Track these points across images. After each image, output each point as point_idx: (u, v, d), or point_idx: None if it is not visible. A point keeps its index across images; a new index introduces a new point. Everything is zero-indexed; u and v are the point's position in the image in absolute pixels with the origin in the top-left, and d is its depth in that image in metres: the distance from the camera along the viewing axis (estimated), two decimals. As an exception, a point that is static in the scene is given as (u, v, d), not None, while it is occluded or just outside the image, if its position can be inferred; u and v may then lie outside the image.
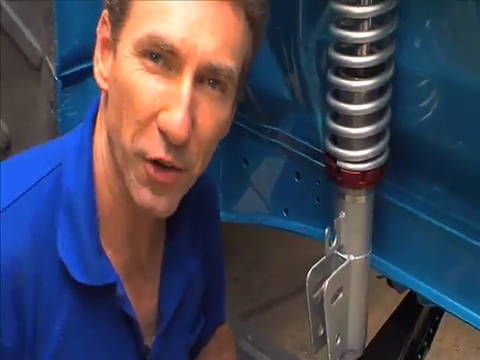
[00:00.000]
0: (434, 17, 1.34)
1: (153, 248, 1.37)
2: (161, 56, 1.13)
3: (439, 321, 1.74)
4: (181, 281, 1.40)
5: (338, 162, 1.45)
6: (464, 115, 1.39)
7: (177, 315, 1.41)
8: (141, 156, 1.15)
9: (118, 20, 1.18)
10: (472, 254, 1.45)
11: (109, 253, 1.28)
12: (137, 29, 1.14)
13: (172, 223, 1.38)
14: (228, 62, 1.14)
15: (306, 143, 1.63)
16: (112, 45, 1.20)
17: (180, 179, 1.19)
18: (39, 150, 1.36)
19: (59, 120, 1.61)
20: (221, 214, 1.76)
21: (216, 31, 1.13)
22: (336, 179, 1.47)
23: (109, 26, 1.21)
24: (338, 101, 1.41)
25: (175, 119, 1.11)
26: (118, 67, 1.17)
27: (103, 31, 1.22)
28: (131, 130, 1.15)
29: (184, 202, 1.30)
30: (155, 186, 1.17)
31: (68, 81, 1.53)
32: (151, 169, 1.15)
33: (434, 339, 2.81)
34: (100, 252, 1.27)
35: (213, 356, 1.65)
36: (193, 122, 1.14)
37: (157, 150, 1.14)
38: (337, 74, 1.39)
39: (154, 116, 1.14)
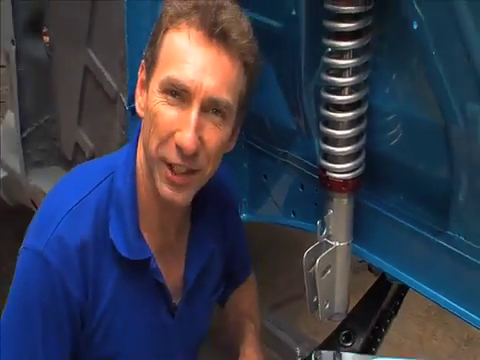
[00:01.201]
0: (397, 69, 1.44)
1: (181, 233, 1.46)
2: (178, 93, 1.25)
3: (404, 296, 1.78)
4: (201, 258, 1.48)
5: (327, 173, 1.53)
6: (420, 141, 1.47)
7: (198, 283, 1.49)
8: (162, 161, 1.28)
9: (150, 67, 1.30)
10: (429, 245, 1.49)
11: (146, 236, 1.38)
12: (161, 74, 1.26)
13: (196, 216, 1.47)
14: (224, 96, 1.26)
15: (307, 162, 1.70)
16: (146, 85, 1.31)
17: (193, 179, 1.31)
18: (100, 161, 1.49)
19: (128, 139, 1.65)
20: (248, 216, 1.93)
21: (215, 74, 1.24)
22: (326, 186, 1.55)
23: (145, 71, 1.33)
24: (327, 128, 1.50)
25: (186, 137, 1.24)
26: (149, 100, 1.29)
27: (141, 75, 1.34)
28: (156, 142, 1.27)
29: (206, 200, 1.44)
30: (172, 185, 1.29)
31: (135, 110, 1.62)
32: (169, 173, 1.28)
33: (416, 330, 2.87)
34: (139, 235, 1.37)
35: (238, 299, 1.73)
36: (201, 139, 1.26)
37: (174, 158, 1.27)
38: (327, 109, 1.48)
39: (172, 134, 1.26)
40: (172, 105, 1.26)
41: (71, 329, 1.36)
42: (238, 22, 1.28)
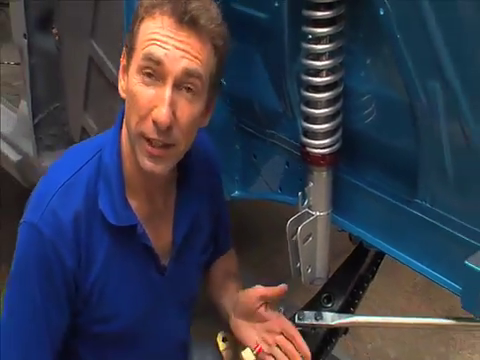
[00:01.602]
0: (368, 53, 1.49)
1: (167, 200, 1.51)
2: (153, 73, 1.30)
3: (381, 262, 1.83)
4: (187, 220, 1.53)
5: (308, 148, 1.58)
6: (390, 119, 1.51)
7: (185, 243, 1.54)
8: (142, 136, 1.33)
9: (129, 53, 1.36)
10: (401, 213, 1.54)
11: (134, 205, 1.44)
12: (139, 56, 1.32)
13: (181, 183, 1.52)
14: (197, 68, 1.31)
15: (292, 141, 1.74)
16: (126, 69, 1.37)
17: (169, 152, 1.36)
18: (89, 142, 1.55)
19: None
20: (240, 193, 1.96)
21: (187, 51, 1.30)
22: (307, 160, 1.60)
23: (125, 58, 1.38)
24: (307, 108, 1.55)
25: (161, 112, 1.29)
26: (128, 82, 1.35)
27: (123, 61, 1.40)
28: (135, 119, 1.33)
29: (189, 167, 1.48)
30: (151, 157, 1.34)
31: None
32: (148, 147, 1.33)
33: (402, 304, 2.92)
34: (126, 204, 1.42)
35: (221, 262, 1.77)
36: (174, 115, 1.31)
37: (151, 133, 1.32)
38: (307, 90, 1.53)
39: (149, 111, 1.31)
40: (148, 85, 1.31)
41: (66, 293, 1.42)
42: (207, 9, 1.33)
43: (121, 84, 1.40)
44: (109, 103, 1.77)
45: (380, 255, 1.81)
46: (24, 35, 1.94)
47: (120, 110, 1.46)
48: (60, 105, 2.03)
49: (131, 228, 1.43)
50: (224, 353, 1.54)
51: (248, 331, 1.55)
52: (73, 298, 1.43)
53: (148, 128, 1.33)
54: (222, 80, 1.76)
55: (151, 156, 1.35)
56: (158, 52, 1.30)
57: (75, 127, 1.98)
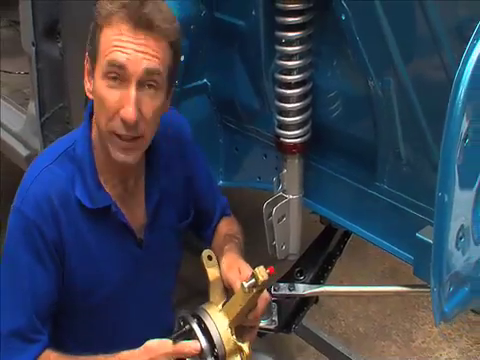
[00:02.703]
0: (334, 53, 1.55)
1: (138, 179, 1.51)
2: (117, 76, 1.32)
3: (347, 240, 1.88)
4: (156, 194, 1.53)
5: (281, 139, 1.64)
6: (352, 111, 1.57)
7: (157, 215, 1.53)
8: (112, 133, 1.35)
9: (92, 59, 1.37)
10: (365, 196, 1.60)
11: (107, 188, 1.45)
12: (102, 62, 1.32)
13: (149, 161, 1.52)
14: (157, 66, 1.33)
15: (268, 134, 1.77)
16: (91, 73, 1.37)
17: (138, 143, 1.38)
18: (64, 138, 1.54)
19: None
20: (224, 182, 1.97)
21: (146, 53, 1.31)
22: (281, 149, 1.66)
23: (89, 63, 1.38)
24: (281, 103, 1.61)
25: (128, 111, 1.31)
26: (95, 86, 1.35)
27: (87, 66, 1.40)
28: (105, 119, 1.35)
29: (156, 148, 1.49)
30: (122, 149, 1.37)
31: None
32: (119, 141, 1.36)
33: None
34: (99, 188, 1.44)
35: (221, 229, 1.70)
36: (140, 111, 1.33)
37: (121, 130, 1.34)
38: (280, 87, 1.59)
39: (117, 111, 1.33)
40: (114, 88, 1.33)
41: (53, 265, 1.43)
42: (159, 10, 1.34)
43: (87, 86, 1.41)
44: None
45: (347, 234, 1.87)
46: (32, 43, 2.00)
47: (86, 108, 1.49)
48: (64, 105, 2.07)
49: (106, 208, 1.45)
50: (208, 270, 1.47)
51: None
52: (60, 272, 1.45)
53: (117, 126, 1.35)
54: (206, 81, 1.83)
55: (123, 149, 1.38)
56: (120, 58, 1.31)
57: (76, 124, 1.99)
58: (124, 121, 1.33)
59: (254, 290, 1.34)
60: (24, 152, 2.23)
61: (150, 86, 1.35)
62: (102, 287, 1.50)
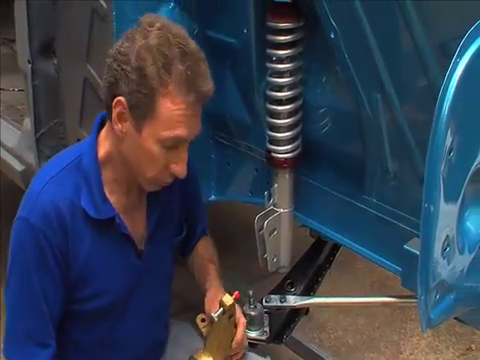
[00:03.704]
0: (323, 71, 1.56)
1: (141, 193, 1.54)
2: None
3: (337, 252, 1.87)
4: (158, 209, 1.56)
5: (272, 154, 1.65)
6: (342, 128, 1.59)
7: (157, 228, 1.56)
8: (157, 180, 1.44)
9: (140, 116, 1.34)
10: (353, 209, 1.61)
11: (112, 199, 1.47)
12: (163, 132, 1.34)
13: None
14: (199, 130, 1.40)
15: (260, 150, 1.78)
16: (132, 125, 1.36)
17: None
18: (69, 149, 1.59)
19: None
20: (216, 197, 1.99)
21: (198, 117, 1.38)
22: (272, 164, 1.67)
23: (128, 111, 1.34)
24: (272, 119, 1.62)
25: (183, 170, 1.41)
26: (145, 145, 1.36)
27: (120, 109, 1.35)
28: (152, 172, 1.41)
29: None
30: (159, 187, 1.47)
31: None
32: (161, 183, 1.45)
33: None
34: (105, 200, 1.46)
35: (200, 247, 1.77)
36: None
37: (169, 180, 1.44)
38: (271, 104, 1.60)
39: (166, 166, 1.40)
40: (168, 149, 1.38)
41: (60, 273, 1.45)
42: (210, 80, 1.38)
43: (119, 128, 1.38)
44: None
45: (336, 247, 1.88)
46: (28, 61, 2.01)
47: (94, 123, 1.50)
48: (59, 121, 2.08)
49: (110, 220, 1.47)
50: (203, 330, 1.57)
51: None
52: (65, 278, 1.47)
53: (166, 177, 1.43)
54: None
55: (160, 187, 1.47)
56: (184, 133, 1.36)
57: (71, 140, 2.03)
58: (176, 175, 1.42)
59: (224, 317, 1.49)
60: (19, 167, 2.24)
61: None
62: (102, 295, 1.52)
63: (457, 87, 1.09)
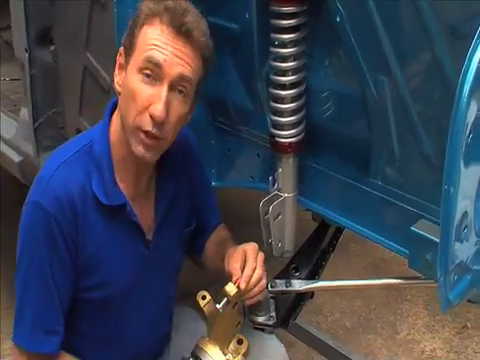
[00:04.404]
0: (327, 54, 1.55)
1: (150, 183, 1.54)
2: (152, 74, 1.34)
3: (340, 236, 1.86)
4: (166, 199, 1.56)
5: (276, 138, 1.63)
6: (346, 111, 1.57)
7: (165, 219, 1.56)
8: (138, 128, 1.37)
9: (127, 53, 1.39)
10: (358, 192, 1.59)
11: (122, 186, 1.46)
12: (139, 57, 1.35)
13: (160, 168, 1.55)
14: (189, 75, 1.37)
15: (262, 135, 1.76)
16: (124, 67, 1.40)
17: (158, 144, 1.40)
18: (80, 135, 1.58)
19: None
20: (217, 183, 1.95)
21: (182, 59, 1.35)
22: (276, 149, 1.65)
23: (123, 56, 1.41)
24: (275, 103, 1.60)
25: (158, 108, 1.34)
26: (127, 79, 1.38)
27: (120, 59, 1.42)
28: (133, 114, 1.36)
29: (167, 157, 1.51)
30: (144, 145, 1.38)
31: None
32: (143, 136, 1.37)
33: None
34: (116, 186, 1.45)
35: (213, 236, 1.74)
36: (167, 113, 1.36)
37: (148, 126, 1.36)
38: (275, 88, 1.58)
39: (147, 107, 1.35)
40: (147, 84, 1.35)
41: (70, 259, 1.44)
42: (198, 24, 1.38)
43: (117, 80, 1.43)
44: (102, 107, 1.70)
45: (339, 230, 1.86)
46: (25, 50, 1.97)
47: (107, 108, 1.49)
48: (57, 110, 2.05)
49: (120, 207, 1.46)
50: (205, 308, 1.53)
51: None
52: (74, 265, 1.45)
53: (145, 121, 1.36)
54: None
55: (144, 144, 1.39)
56: (158, 56, 1.34)
57: (71, 130, 2.01)
58: (153, 117, 1.35)
59: (229, 307, 1.47)
60: (16, 158, 2.19)
61: (180, 91, 1.38)
62: (109, 283, 1.50)
63: (478, 69, 1.08)
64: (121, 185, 1.47)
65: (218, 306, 1.47)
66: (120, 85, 1.42)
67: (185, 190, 1.63)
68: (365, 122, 1.53)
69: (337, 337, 2.78)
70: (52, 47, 1.96)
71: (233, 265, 1.49)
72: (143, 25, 1.37)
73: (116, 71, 1.43)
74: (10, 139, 2.22)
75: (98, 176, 1.44)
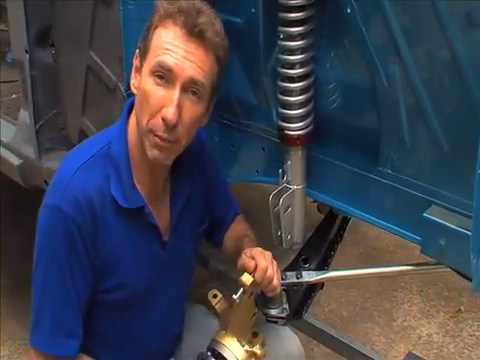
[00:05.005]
0: (336, 47, 1.54)
1: (165, 184, 1.52)
2: (164, 76, 1.32)
3: (346, 226, 1.85)
4: (181, 199, 1.54)
5: (285, 131, 1.62)
6: (355, 102, 1.57)
7: (181, 219, 1.54)
8: (151, 132, 1.35)
9: (142, 56, 1.37)
10: (367, 181, 1.59)
11: (139, 188, 1.44)
12: (152, 60, 1.33)
13: (175, 169, 1.53)
14: (201, 78, 1.34)
15: (267, 128, 1.76)
16: (139, 70, 1.38)
17: (172, 147, 1.38)
18: (98, 135, 1.54)
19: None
20: None
21: (194, 62, 1.33)
22: (284, 141, 1.64)
23: (139, 59, 1.39)
24: (284, 96, 1.59)
25: (170, 111, 1.31)
26: (142, 81, 1.36)
27: (136, 62, 1.41)
28: (146, 116, 1.34)
29: (182, 158, 1.48)
30: (158, 148, 1.36)
31: (130, 95, 1.55)
32: (157, 139, 1.35)
33: None
34: (134, 188, 1.43)
35: (231, 231, 1.74)
36: (180, 115, 1.33)
37: (160, 130, 1.34)
38: (283, 81, 1.58)
39: (159, 110, 1.33)
40: (159, 86, 1.33)
41: (88, 261, 1.41)
42: (213, 24, 1.35)
43: (132, 82, 1.42)
44: (107, 106, 1.76)
45: (346, 220, 1.86)
46: (26, 51, 1.91)
47: (125, 107, 1.47)
48: (58, 111, 2.00)
49: (139, 209, 1.44)
50: (216, 306, 1.54)
51: None
52: (93, 267, 1.43)
53: (157, 125, 1.34)
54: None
55: (158, 146, 1.37)
56: (169, 61, 1.32)
57: (73, 130, 1.96)
58: (164, 120, 1.33)
59: (245, 297, 1.46)
60: (16, 161, 2.13)
61: (193, 93, 1.35)
62: (127, 285, 1.48)
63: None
64: (138, 187, 1.44)
65: (235, 297, 1.45)
66: (136, 87, 1.40)
67: (199, 189, 1.62)
68: (374, 112, 1.52)
69: (335, 327, 2.76)
70: (52, 48, 1.92)
71: (246, 261, 1.49)
72: (157, 27, 1.35)
73: (133, 74, 1.42)
74: (8, 142, 2.16)
75: (116, 178, 1.41)
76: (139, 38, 1.44)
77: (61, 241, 1.38)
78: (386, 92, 1.46)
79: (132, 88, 1.42)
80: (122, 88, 1.70)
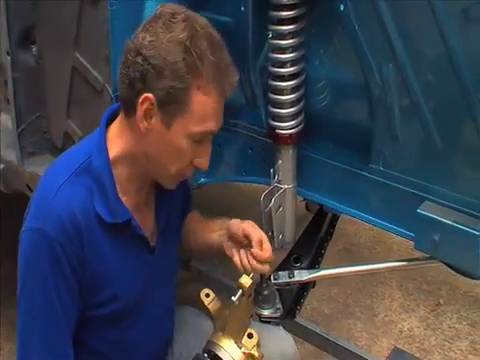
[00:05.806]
0: (327, 45, 1.53)
1: (150, 193, 1.47)
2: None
3: (336, 224, 1.85)
4: (165, 207, 1.51)
5: (276, 130, 1.60)
6: (347, 100, 1.57)
7: (167, 225, 1.51)
8: (180, 175, 1.38)
9: (171, 109, 1.26)
10: (359, 179, 1.58)
11: (124, 199, 1.37)
12: (195, 127, 1.28)
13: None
14: None
15: (255, 127, 1.74)
16: (164, 121, 1.28)
17: None
18: (78, 147, 1.45)
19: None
20: (205, 180, 1.89)
21: (222, 115, 1.33)
22: (275, 140, 1.62)
23: (156, 107, 1.26)
24: (275, 95, 1.57)
25: (206, 164, 1.36)
26: (174, 139, 1.29)
27: (149, 106, 1.27)
28: (177, 166, 1.34)
29: None
30: (177, 183, 1.41)
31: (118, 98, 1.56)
32: (181, 179, 1.40)
33: None
34: (119, 202, 1.36)
35: (188, 219, 1.66)
36: None
37: (190, 173, 1.39)
38: (274, 80, 1.56)
39: (192, 160, 1.34)
40: (196, 142, 1.32)
41: (76, 281, 1.36)
42: (235, 68, 1.33)
43: (144, 125, 1.30)
44: (94, 108, 1.70)
45: (335, 218, 1.84)
46: (7, 53, 1.84)
47: (103, 117, 1.39)
48: (41, 114, 1.93)
49: (125, 223, 1.39)
50: (209, 306, 1.50)
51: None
52: (81, 285, 1.37)
53: (189, 171, 1.37)
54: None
55: (178, 182, 1.41)
56: (215, 127, 1.32)
57: (57, 133, 1.89)
58: (199, 169, 1.37)
59: (244, 299, 1.42)
60: (-1, 166, 2.04)
61: None
62: (120, 296, 1.43)
63: None
64: (123, 198, 1.39)
65: (233, 298, 1.41)
66: (149, 129, 1.30)
67: (180, 192, 1.58)
68: (366, 109, 1.50)
69: (318, 324, 2.74)
70: (34, 48, 1.84)
71: (247, 227, 1.44)
72: (197, 89, 1.26)
73: (141, 114, 1.29)
74: (-11, 147, 2.07)
75: (100, 194, 1.35)
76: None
77: (47, 265, 1.31)
78: (379, 89, 1.43)
79: (141, 128, 1.31)
80: (110, 90, 1.64)
